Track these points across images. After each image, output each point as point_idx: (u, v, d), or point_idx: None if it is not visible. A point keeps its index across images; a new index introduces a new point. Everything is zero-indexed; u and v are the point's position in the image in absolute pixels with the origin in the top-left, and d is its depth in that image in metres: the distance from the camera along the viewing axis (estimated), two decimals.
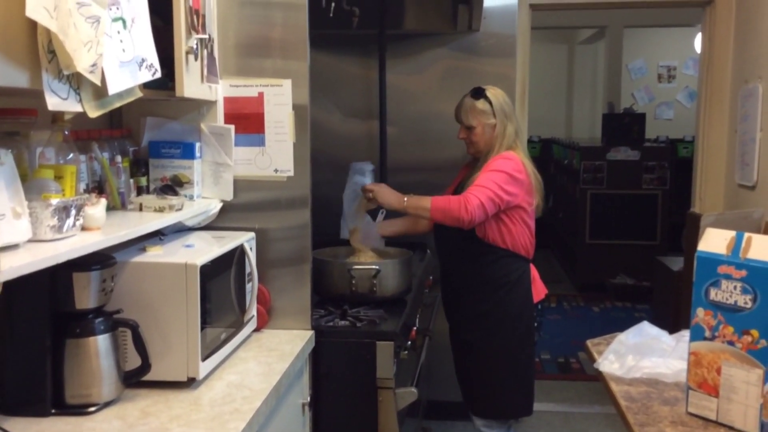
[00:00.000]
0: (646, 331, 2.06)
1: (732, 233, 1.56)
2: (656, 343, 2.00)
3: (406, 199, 2.70)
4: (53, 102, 1.37)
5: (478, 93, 2.78)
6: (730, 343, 1.54)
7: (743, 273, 1.51)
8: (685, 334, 1.86)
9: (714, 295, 1.57)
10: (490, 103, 2.75)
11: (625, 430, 1.68)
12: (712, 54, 4.09)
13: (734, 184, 3.83)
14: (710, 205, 4.13)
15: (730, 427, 1.56)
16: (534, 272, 2.83)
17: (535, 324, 2.81)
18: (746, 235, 1.53)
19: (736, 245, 1.54)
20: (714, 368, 1.58)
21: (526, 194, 2.70)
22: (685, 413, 1.65)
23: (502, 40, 3.72)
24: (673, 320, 4.35)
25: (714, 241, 1.58)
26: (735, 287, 1.53)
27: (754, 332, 1.50)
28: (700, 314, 1.60)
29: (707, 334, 1.59)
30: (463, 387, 2.95)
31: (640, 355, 1.93)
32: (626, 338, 2.03)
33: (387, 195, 2.74)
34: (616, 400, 1.77)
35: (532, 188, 2.72)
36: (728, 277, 1.54)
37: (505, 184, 2.63)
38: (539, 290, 2.84)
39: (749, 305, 1.50)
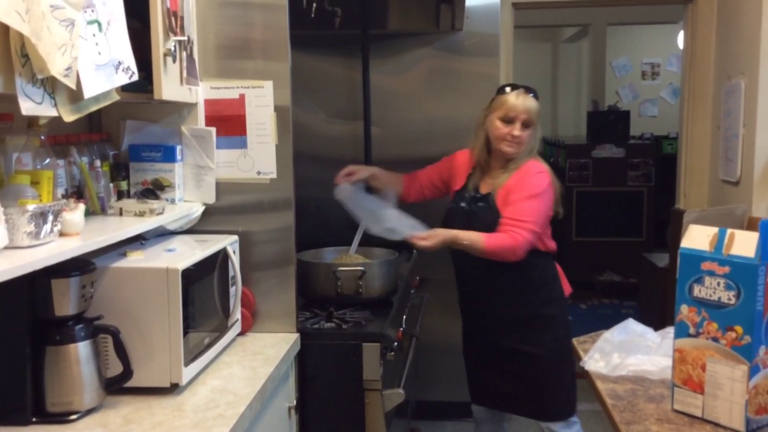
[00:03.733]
0: (631, 328, 2.06)
1: (714, 230, 1.56)
2: (641, 341, 2.00)
3: (461, 234, 2.57)
4: (27, 107, 1.35)
5: (531, 91, 2.70)
6: (715, 339, 1.54)
7: (726, 269, 1.51)
8: (670, 330, 1.86)
9: (698, 291, 1.56)
10: (538, 104, 2.70)
11: (612, 428, 1.68)
12: (694, 51, 4.11)
13: (718, 180, 3.85)
14: (695, 201, 4.15)
15: (716, 424, 1.56)
16: (558, 266, 2.79)
17: (570, 318, 2.76)
18: (729, 231, 1.53)
19: (718, 242, 1.53)
20: (699, 365, 1.58)
21: (556, 203, 2.67)
22: (670, 410, 1.65)
23: (486, 39, 3.71)
24: (659, 316, 4.37)
25: (697, 237, 1.58)
26: (718, 283, 1.52)
27: (738, 328, 1.50)
28: (684, 311, 1.59)
29: (692, 330, 1.58)
30: (513, 394, 2.75)
31: (626, 353, 1.93)
32: (612, 336, 2.03)
33: (441, 240, 2.59)
34: (602, 398, 1.77)
35: (557, 195, 2.68)
36: (711, 273, 1.54)
37: (545, 205, 2.59)
38: (567, 285, 2.80)
39: (733, 301, 1.50)
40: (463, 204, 2.74)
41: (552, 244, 2.71)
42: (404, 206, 2.82)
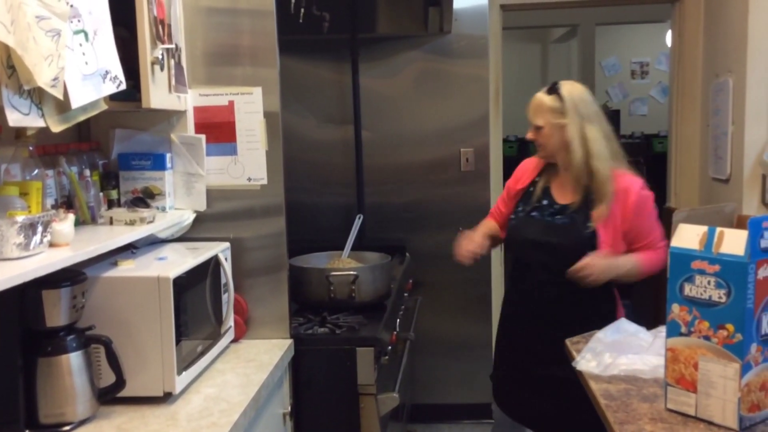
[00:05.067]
0: (623, 328, 2.06)
1: (704, 228, 1.56)
2: (634, 340, 2.00)
3: (624, 269, 2.37)
4: (14, 118, 1.35)
5: (552, 88, 2.44)
6: (706, 338, 1.54)
7: (716, 268, 1.51)
8: (662, 330, 1.86)
9: (688, 290, 1.57)
10: (562, 99, 2.39)
11: (606, 428, 1.68)
12: (682, 50, 4.12)
13: (708, 177, 3.86)
14: (685, 199, 4.17)
15: (710, 422, 1.56)
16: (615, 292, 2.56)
17: None
18: (718, 229, 1.53)
19: (708, 240, 1.54)
20: (691, 364, 1.58)
21: None
22: (664, 409, 1.65)
23: (474, 41, 3.73)
24: (653, 315, 4.37)
25: (686, 236, 1.58)
26: (709, 282, 1.53)
27: (730, 326, 1.50)
28: (676, 310, 1.60)
29: (683, 329, 1.59)
30: (548, 416, 2.54)
31: (618, 353, 1.93)
32: (604, 336, 2.03)
33: (603, 272, 2.32)
34: (595, 398, 1.77)
35: None
36: (702, 272, 1.54)
37: (655, 212, 2.45)
38: (620, 309, 2.57)
39: (723, 300, 1.50)
40: (534, 213, 2.51)
41: None
42: None
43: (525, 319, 2.55)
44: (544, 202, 2.52)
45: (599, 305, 2.45)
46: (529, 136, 2.49)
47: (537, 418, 2.62)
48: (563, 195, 2.49)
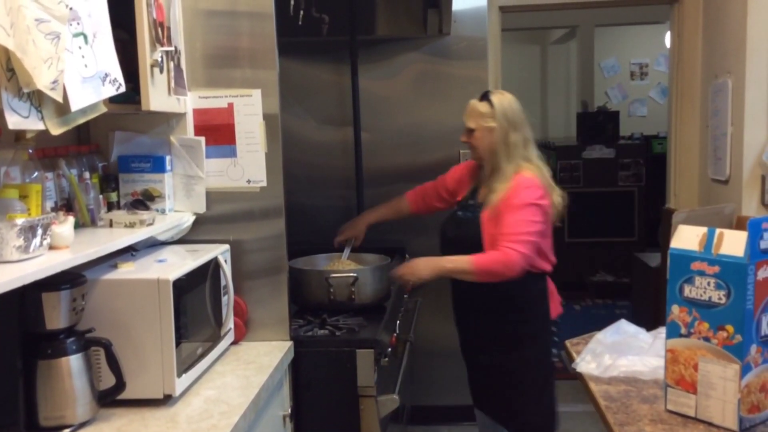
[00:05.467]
0: (623, 329, 2.07)
1: (704, 229, 1.56)
2: (634, 341, 2.00)
3: (449, 265, 2.52)
4: (14, 121, 1.35)
5: (483, 95, 2.64)
6: (706, 339, 1.55)
7: (716, 269, 1.52)
8: (662, 331, 1.86)
9: (688, 291, 1.57)
10: (492, 105, 2.58)
11: (606, 430, 1.68)
12: (681, 51, 4.13)
13: (707, 178, 3.86)
14: (685, 200, 4.17)
15: (710, 423, 1.56)
16: (551, 286, 2.70)
17: (555, 339, 2.69)
18: (718, 231, 1.54)
19: (708, 241, 1.54)
20: (691, 365, 1.58)
21: (551, 213, 2.58)
22: (664, 411, 1.66)
23: (473, 42, 3.72)
24: (653, 316, 4.38)
25: (686, 237, 1.59)
26: (708, 283, 1.53)
27: (729, 328, 1.50)
28: (675, 311, 1.60)
29: (683, 330, 1.59)
30: (487, 406, 2.80)
31: (617, 354, 1.93)
32: (604, 337, 2.03)
33: (422, 269, 2.54)
34: (595, 400, 1.77)
35: (552, 203, 2.58)
36: (701, 273, 1.54)
37: (534, 217, 2.47)
38: (556, 305, 2.71)
39: (723, 301, 1.51)
40: (459, 212, 2.73)
41: (544, 265, 2.61)
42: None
43: (457, 314, 2.80)
44: (471, 201, 2.71)
45: (514, 295, 2.58)
46: (462, 138, 2.68)
47: (482, 404, 2.83)
48: (482, 194, 2.66)
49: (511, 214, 2.47)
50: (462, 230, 2.65)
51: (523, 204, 2.48)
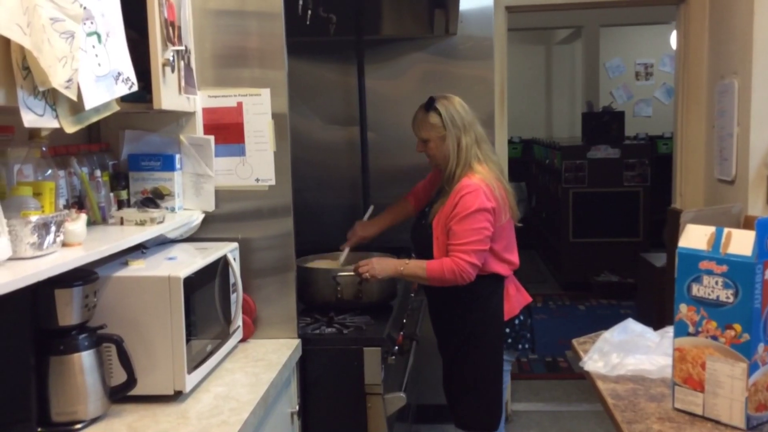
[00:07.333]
0: (630, 328, 2.07)
1: (712, 229, 1.57)
2: (641, 340, 2.01)
3: (402, 268, 2.58)
4: (29, 119, 1.36)
5: (428, 105, 2.66)
6: (714, 338, 1.55)
7: (724, 268, 1.52)
8: (669, 330, 1.87)
9: (696, 290, 1.58)
10: (440, 114, 2.61)
11: (614, 428, 1.69)
12: (687, 51, 4.13)
13: (713, 179, 3.86)
14: (690, 200, 4.17)
15: (717, 422, 1.57)
16: (511, 288, 2.68)
17: (509, 340, 2.67)
18: (726, 230, 1.55)
19: (716, 241, 1.55)
20: (699, 363, 1.59)
21: (501, 213, 2.57)
22: (671, 409, 1.67)
23: (480, 42, 3.73)
24: (657, 316, 4.38)
25: (694, 237, 1.60)
26: (716, 282, 1.54)
27: (737, 326, 1.51)
28: (683, 310, 1.61)
29: (691, 329, 1.60)
30: (447, 400, 2.89)
31: (625, 353, 1.94)
32: (611, 336, 2.04)
33: (381, 268, 2.59)
34: (603, 398, 1.78)
35: (503, 203, 2.58)
36: (709, 272, 1.55)
37: (479, 223, 2.50)
38: (513, 306, 2.67)
39: (731, 300, 1.51)
40: (422, 218, 2.77)
41: (497, 267, 2.61)
42: None
43: (430, 311, 2.87)
44: (428, 209, 2.74)
45: (461, 295, 2.61)
46: (418, 149, 2.73)
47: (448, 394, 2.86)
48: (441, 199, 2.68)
49: (459, 224, 2.52)
50: (416, 233, 2.76)
51: (468, 213, 2.51)
